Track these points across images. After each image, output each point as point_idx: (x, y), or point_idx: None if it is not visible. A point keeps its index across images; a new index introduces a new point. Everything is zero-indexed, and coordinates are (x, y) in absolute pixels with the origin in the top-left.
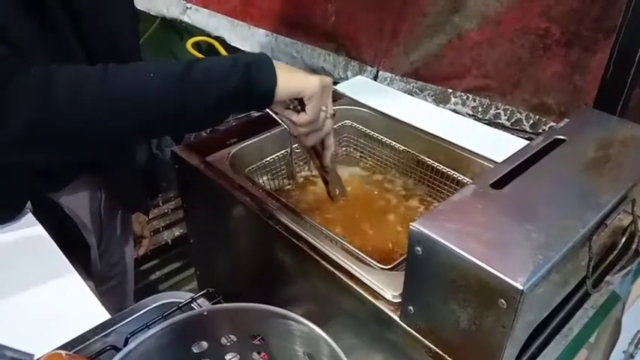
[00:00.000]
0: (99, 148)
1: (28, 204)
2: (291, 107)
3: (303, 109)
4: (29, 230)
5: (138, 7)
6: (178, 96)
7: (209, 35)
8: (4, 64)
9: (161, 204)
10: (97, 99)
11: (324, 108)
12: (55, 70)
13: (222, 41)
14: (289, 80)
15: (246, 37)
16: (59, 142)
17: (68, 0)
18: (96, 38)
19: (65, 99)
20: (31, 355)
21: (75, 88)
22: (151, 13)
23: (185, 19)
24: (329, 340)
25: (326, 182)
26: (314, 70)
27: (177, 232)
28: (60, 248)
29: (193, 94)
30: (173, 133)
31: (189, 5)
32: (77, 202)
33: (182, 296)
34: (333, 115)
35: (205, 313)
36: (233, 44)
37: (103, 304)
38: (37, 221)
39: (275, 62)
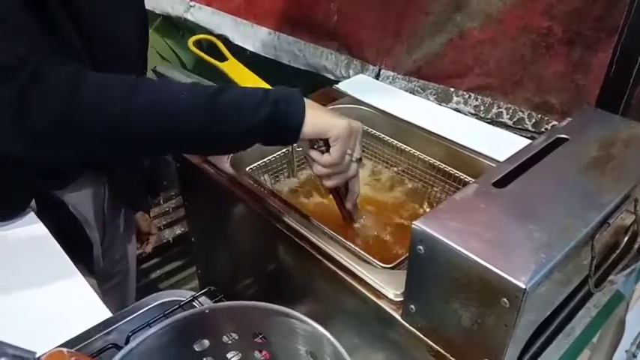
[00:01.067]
0: (117, 155)
1: (32, 202)
2: (315, 147)
3: (327, 150)
4: (31, 229)
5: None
6: (205, 121)
7: (211, 33)
8: (29, 62)
9: (162, 202)
10: (122, 109)
11: (349, 151)
12: (86, 74)
13: (224, 39)
14: (317, 119)
15: (249, 36)
16: (79, 145)
17: (68, 0)
18: (97, 39)
19: (91, 104)
20: (32, 353)
21: (102, 95)
22: (156, 11)
23: (188, 17)
24: (332, 338)
25: (344, 214)
26: (316, 69)
27: (178, 230)
28: (63, 246)
29: (219, 121)
30: (191, 152)
31: (192, 3)
32: (81, 200)
33: (183, 295)
34: (360, 159)
35: (207, 311)
36: (236, 42)
37: (106, 302)
38: (39, 220)
39: (307, 101)
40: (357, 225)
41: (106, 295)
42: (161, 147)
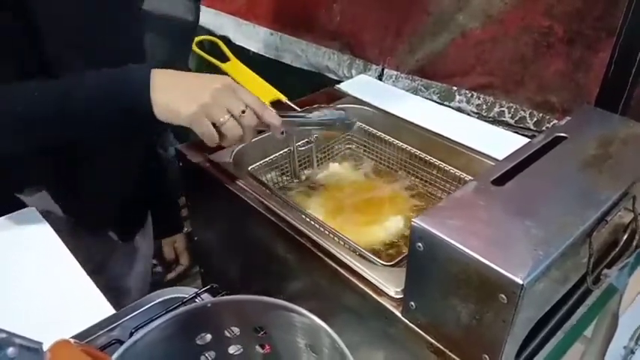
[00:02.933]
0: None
1: (32, 200)
2: None
3: None
4: (34, 225)
5: (144, 8)
6: (59, 114)
7: (213, 34)
8: None
9: None
10: None
11: (222, 119)
12: None
13: (226, 40)
14: (163, 112)
15: (251, 36)
16: None
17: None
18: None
19: None
20: (40, 343)
21: None
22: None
23: None
24: (329, 330)
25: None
26: (318, 69)
27: None
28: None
29: (74, 116)
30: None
31: None
32: (47, 208)
33: (186, 292)
34: (243, 111)
35: (209, 305)
36: (238, 43)
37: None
38: (41, 216)
39: (159, 79)
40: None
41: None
42: (27, 149)
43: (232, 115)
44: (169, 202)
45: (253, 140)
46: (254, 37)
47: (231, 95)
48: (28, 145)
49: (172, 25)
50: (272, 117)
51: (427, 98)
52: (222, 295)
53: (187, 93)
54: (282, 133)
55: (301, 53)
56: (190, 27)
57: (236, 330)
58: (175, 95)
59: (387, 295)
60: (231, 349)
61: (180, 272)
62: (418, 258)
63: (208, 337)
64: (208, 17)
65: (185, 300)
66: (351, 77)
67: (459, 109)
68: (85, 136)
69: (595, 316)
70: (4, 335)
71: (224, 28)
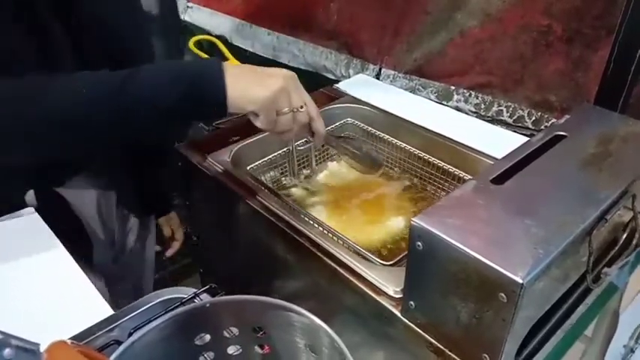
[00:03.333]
0: (39, 158)
1: (32, 199)
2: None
3: None
4: (33, 226)
5: None
6: (112, 114)
7: (210, 34)
8: None
9: None
10: (19, 119)
11: (285, 109)
12: None
13: (224, 40)
14: (236, 97)
15: (248, 36)
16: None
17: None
18: (92, 40)
19: None
20: (36, 344)
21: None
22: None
23: (186, 18)
24: (328, 330)
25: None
26: (316, 69)
27: None
28: (65, 244)
29: (128, 112)
30: (118, 143)
31: (190, 4)
32: (84, 200)
33: (185, 292)
34: (301, 107)
35: (208, 305)
36: (235, 43)
37: (114, 303)
38: (40, 217)
39: (228, 71)
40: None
41: (115, 297)
42: (75, 148)
43: (292, 109)
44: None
45: (252, 140)
46: (251, 36)
47: (295, 88)
48: (68, 148)
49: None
50: (321, 125)
51: (425, 98)
52: (221, 296)
53: (260, 80)
54: (323, 145)
55: (299, 53)
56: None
57: (235, 330)
58: (249, 83)
59: (387, 294)
60: (230, 350)
61: (177, 248)
62: (417, 257)
63: (207, 337)
64: (205, 17)
65: (184, 300)
66: (349, 77)
67: (457, 109)
68: (148, 131)
69: (595, 315)
70: (0, 336)
71: (221, 28)
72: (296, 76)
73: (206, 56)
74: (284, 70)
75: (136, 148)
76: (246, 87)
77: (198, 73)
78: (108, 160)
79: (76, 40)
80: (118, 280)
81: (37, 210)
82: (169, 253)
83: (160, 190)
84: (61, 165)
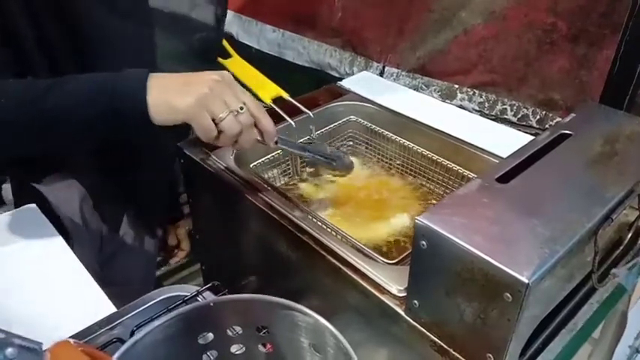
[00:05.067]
0: None
1: (8, 194)
2: None
3: None
4: (33, 222)
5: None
6: (36, 118)
7: None
8: None
9: None
10: None
11: (222, 114)
12: None
13: (229, 37)
14: (161, 109)
15: (254, 33)
16: None
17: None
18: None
19: None
20: (39, 344)
21: None
22: None
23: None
24: (334, 330)
25: (321, 166)
26: (320, 66)
27: None
28: None
29: (52, 117)
30: (39, 152)
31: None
32: (65, 199)
33: (188, 290)
34: (241, 108)
35: (211, 304)
36: (240, 40)
37: (118, 306)
38: (41, 213)
39: (153, 81)
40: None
41: (117, 299)
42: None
43: (231, 112)
44: (172, 188)
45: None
46: (257, 34)
47: (228, 89)
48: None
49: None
50: (268, 123)
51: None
52: (224, 294)
53: (185, 86)
54: (276, 142)
55: (303, 50)
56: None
57: (238, 329)
58: (172, 92)
59: (390, 293)
60: (234, 349)
61: (182, 257)
62: (422, 256)
63: (210, 336)
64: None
65: (186, 298)
66: (353, 75)
67: (461, 107)
68: (66, 141)
69: (603, 317)
70: (3, 335)
71: (227, 24)
72: (230, 76)
73: None
74: (213, 73)
75: (131, 150)
76: (168, 97)
77: (120, 87)
78: (95, 160)
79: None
80: (114, 284)
81: (14, 206)
82: (173, 261)
83: (161, 195)
84: (31, 161)
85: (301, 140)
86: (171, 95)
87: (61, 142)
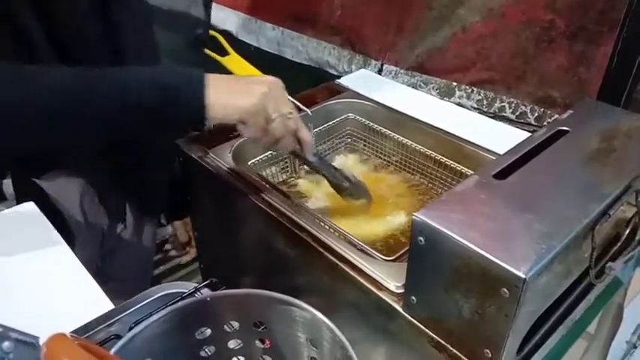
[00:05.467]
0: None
1: (9, 189)
2: None
3: None
4: (31, 218)
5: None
6: (82, 103)
7: (216, 29)
8: None
9: None
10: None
11: (273, 115)
12: None
13: (228, 35)
14: (219, 106)
15: (253, 31)
16: None
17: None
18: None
19: None
20: (36, 337)
21: None
22: None
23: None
24: (331, 325)
25: (328, 180)
26: (319, 64)
27: None
28: None
29: (101, 104)
30: (96, 137)
31: None
32: (63, 192)
33: (186, 287)
34: (291, 113)
35: (208, 299)
36: (240, 38)
37: (115, 302)
38: (39, 210)
39: (211, 80)
40: (357, 202)
41: (115, 294)
42: (44, 141)
43: (281, 115)
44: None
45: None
46: (256, 32)
47: (281, 95)
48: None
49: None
50: (307, 133)
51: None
52: (222, 290)
53: (245, 87)
54: (314, 155)
55: (302, 48)
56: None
57: (236, 324)
58: (233, 92)
59: (388, 289)
60: (231, 344)
61: (194, 255)
62: (419, 252)
63: (208, 331)
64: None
65: (184, 295)
66: (351, 73)
67: (459, 105)
68: (126, 135)
69: (599, 310)
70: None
71: (226, 22)
72: (281, 82)
73: (207, 51)
74: (269, 77)
75: (133, 146)
76: (230, 96)
77: (176, 82)
78: (98, 155)
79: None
80: (113, 279)
81: (16, 201)
82: (184, 259)
83: (165, 191)
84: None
85: None
86: (232, 95)
87: (97, 134)
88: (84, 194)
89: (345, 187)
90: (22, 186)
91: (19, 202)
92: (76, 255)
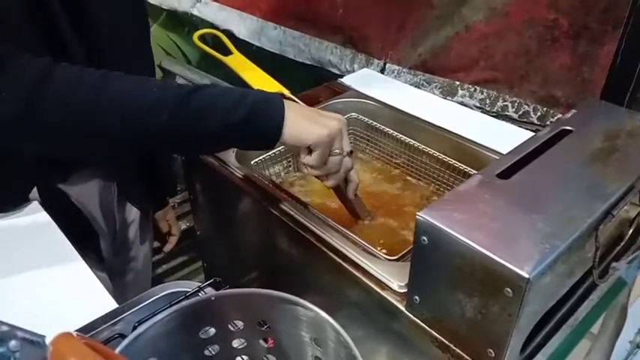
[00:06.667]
0: (87, 151)
1: (35, 194)
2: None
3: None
4: (36, 219)
5: (149, 1)
6: (172, 119)
7: (217, 28)
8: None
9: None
10: (86, 105)
11: (337, 150)
12: (57, 67)
13: (230, 34)
14: (295, 127)
15: (255, 31)
16: (40, 138)
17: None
18: (99, 36)
19: (57, 97)
20: (42, 336)
21: (70, 89)
22: (163, 6)
23: (195, 12)
24: (335, 324)
25: (349, 208)
26: (321, 63)
27: (183, 225)
28: (70, 238)
29: (188, 120)
30: (165, 151)
31: None
32: (86, 193)
33: (189, 286)
34: (351, 152)
35: (213, 298)
36: (241, 37)
37: (118, 297)
38: (43, 210)
39: (288, 105)
40: (365, 222)
41: (118, 290)
42: (126, 145)
43: (340, 153)
44: (161, 174)
45: None
46: (258, 31)
47: (346, 134)
48: (124, 141)
49: None
50: (357, 176)
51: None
52: (226, 289)
53: (320, 119)
54: (355, 195)
55: (304, 48)
56: None
57: (240, 324)
58: (309, 120)
59: (391, 289)
60: (235, 343)
61: (174, 243)
62: (422, 252)
63: (212, 330)
64: (212, 11)
65: (188, 294)
66: (354, 72)
67: (462, 104)
68: (194, 147)
69: (603, 310)
70: (6, 328)
71: (228, 22)
72: (346, 122)
73: (210, 51)
74: (340, 115)
75: None
76: (305, 123)
77: (262, 101)
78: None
79: (86, 41)
80: (119, 274)
81: (42, 204)
82: (167, 248)
83: (161, 177)
84: (66, 161)
85: None
86: (309, 122)
87: (177, 148)
88: (102, 193)
89: (361, 218)
90: (46, 191)
91: (43, 204)
92: (100, 255)
